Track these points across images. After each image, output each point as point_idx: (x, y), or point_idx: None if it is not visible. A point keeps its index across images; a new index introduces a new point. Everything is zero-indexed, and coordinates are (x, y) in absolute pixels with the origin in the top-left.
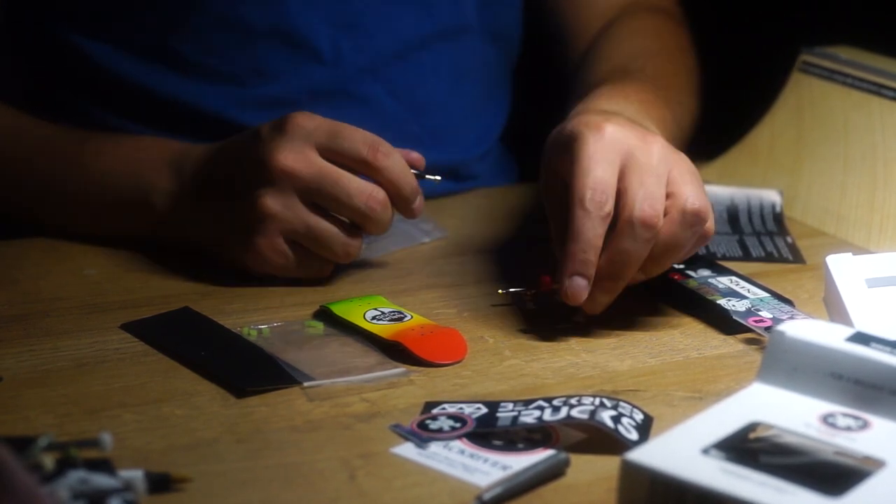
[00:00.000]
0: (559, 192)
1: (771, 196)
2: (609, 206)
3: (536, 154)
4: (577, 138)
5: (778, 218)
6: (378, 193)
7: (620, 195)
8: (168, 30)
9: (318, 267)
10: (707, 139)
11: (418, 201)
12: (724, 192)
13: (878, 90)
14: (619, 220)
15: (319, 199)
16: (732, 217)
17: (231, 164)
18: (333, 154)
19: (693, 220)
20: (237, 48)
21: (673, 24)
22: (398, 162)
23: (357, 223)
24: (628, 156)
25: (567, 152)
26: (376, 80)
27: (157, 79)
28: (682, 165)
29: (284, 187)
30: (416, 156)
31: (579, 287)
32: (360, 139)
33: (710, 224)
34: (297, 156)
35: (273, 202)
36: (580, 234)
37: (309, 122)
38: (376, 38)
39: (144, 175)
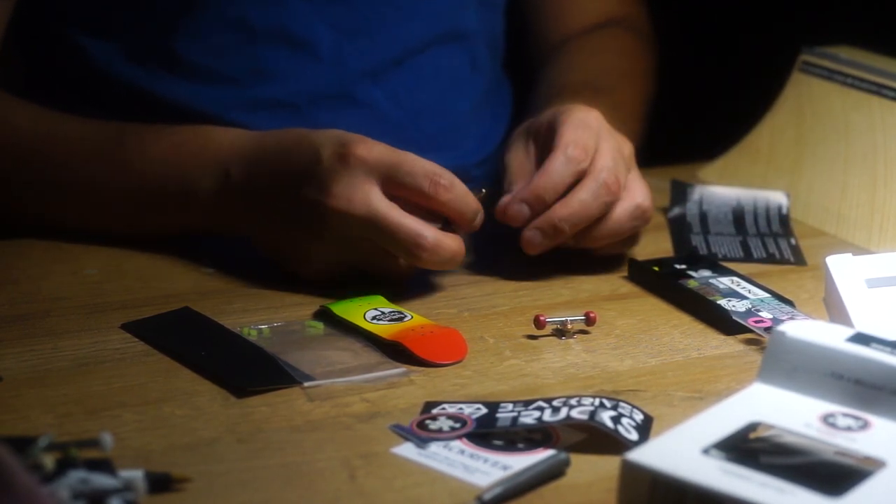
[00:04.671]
0: (527, 157)
1: (778, 198)
2: (584, 165)
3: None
4: (564, 111)
5: (784, 220)
6: (425, 240)
7: (591, 159)
8: (167, 30)
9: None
10: (707, 139)
11: (479, 217)
12: (730, 193)
13: (878, 90)
14: (585, 177)
15: (369, 235)
16: (738, 218)
17: (287, 185)
18: (395, 188)
19: (640, 215)
20: (237, 49)
21: (646, 49)
22: (459, 192)
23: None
24: (606, 137)
25: (551, 124)
26: (376, 84)
27: (156, 80)
28: (638, 173)
29: (337, 225)
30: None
31: (521, 215)
32: (420, 172)
33: (641, 229)
34: (354, 194)
35: (323, 242)
36: (550, 174)
37: (369, 154)
38: (378, 42)
39: (188, 174)
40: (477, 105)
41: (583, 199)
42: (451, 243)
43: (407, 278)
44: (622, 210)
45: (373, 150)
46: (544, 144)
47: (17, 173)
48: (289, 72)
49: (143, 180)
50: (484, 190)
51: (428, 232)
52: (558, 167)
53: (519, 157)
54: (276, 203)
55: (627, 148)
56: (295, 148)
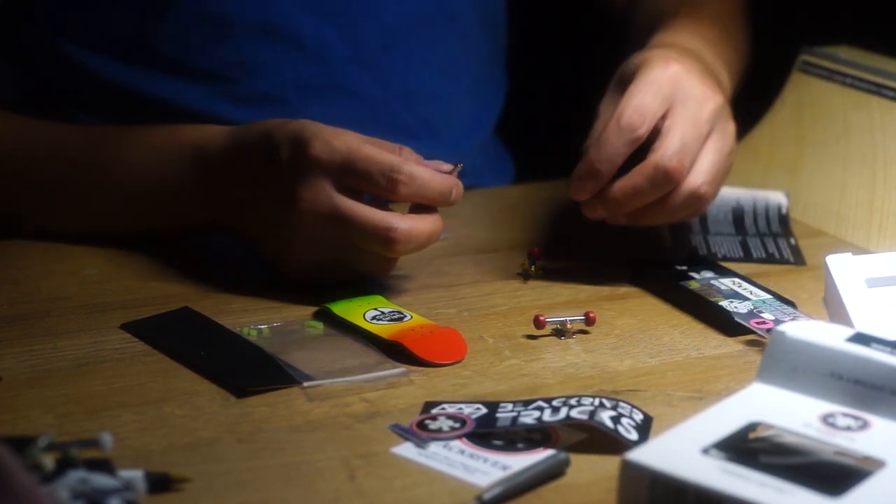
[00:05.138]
0: (613, 108)
1: (777, 198)
2: (642, 131)
3: (532, 151)
4: (645, 63)
5: (784, 220)
6: (396, 232)
7: (659, 135)
8: (148, 28)
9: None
10: None
11: (454, 193)
12: (730, 193)
13: (877, 90)
14: (647, 159)
15: (340, 234)
16: (737, 218)
17: (254, 189)
18: (353, 185)
19: (695, 202)
20: (219, 43)
21: None
22: (421, 182)
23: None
24: (682, 100)
25: (635, 72)
26: (364, 70)
27: (142, 80)
28: (721, 137)
29: (306, 226)
30: (444, 168)
31: (583, 190)
32: (376, 170)
33: (705, 207)
34: (314, 194)
35: (296, 243)
36: (605, 146)
37: (325, 154)
38: (362, 27)
39: (166, 177)
40: (471, 87)
41: (638, 185)
42: (425, 226)
43: (390, 270)
44: (676, 197)
45: (329, 147)
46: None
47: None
48: (273, 64)
49: (124, 187)
50: (461, 164)
51: (397, 222)
52: (612, 137)
53: (607, 108)
54: (250, 205)
55: (709, 107)
56: (257, 148)
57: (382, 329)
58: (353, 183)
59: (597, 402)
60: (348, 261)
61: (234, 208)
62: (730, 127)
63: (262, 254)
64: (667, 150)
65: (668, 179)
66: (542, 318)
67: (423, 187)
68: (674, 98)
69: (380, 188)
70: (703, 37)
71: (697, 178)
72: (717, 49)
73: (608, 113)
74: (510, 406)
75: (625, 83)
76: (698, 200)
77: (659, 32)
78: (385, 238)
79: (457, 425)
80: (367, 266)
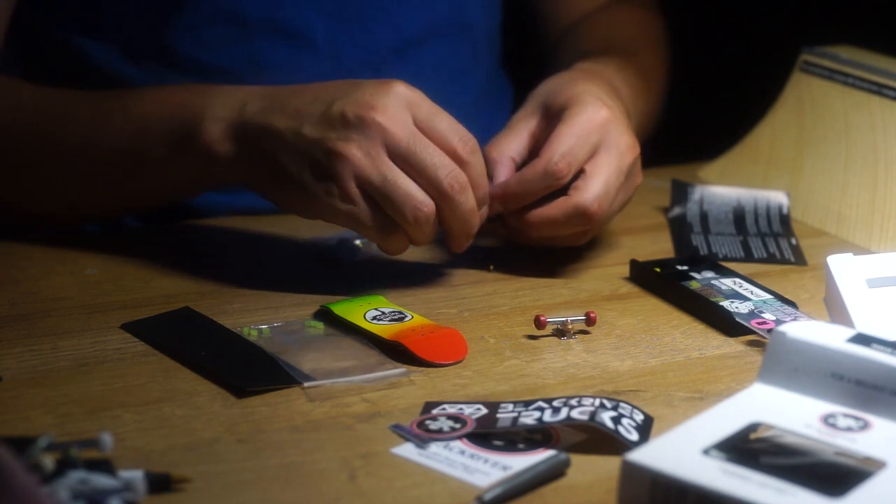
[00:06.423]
0: (526, 126)
1: (778, 198)
2: (566, 180)
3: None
4: (577, 102)
5: (785, 220)
6: (461, 176)
7: (583, 176)
8: (161, 26)
9: (387, 233)
10: (707, 139)
11: (484, 210)
12: (731, 193)
13: (878, 90)
14: (569, 196)
15: (406, 161)
16: (738, 218)
17: (321, 100)
18: (426, 131)
19: (591, 234)
20: (232, 42)
21: (656, 21)
22: (480, 164)
23: (434, 199)
24: (608, 147)
25: (562, 109)
26: (375, 74)
27: (153, 77)
28: (629, 188)
29: (373, 138)
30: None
31: (491, 208)
32: (455, 129)
33: (593, 233)
34: (396, 115)
35: (357, 148)
36: (526, 183)
37: (411, 94)
38: (375, 32)
39: (196, 107)
40: (478, 97)
41: (555, 218)
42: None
43: (405, 249)
44: (558, 208)
45: (414, 90)
46: (549, 124)
47: (18, 148)
48: (285, 64)
49: (142, 130)
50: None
51: (461, 173)
52: (535, 179)
53: (521, 124)
54: (300, 117)
55: (630, 158)
56: (333, 82)
57: (383, 329)
58: (432, 129)
59: (597, 402)
60: (377, 228)
61: (271, 137)
62: (638, 179)
63: (281, 198)
64: (590, 194)
65: (585, 221)
66: (542, 318)
67: (481, 168)
68: (600, 145)
69: (452, 146)
70: (626, 81)
71: (587, 195)
72: (634, 98)
73: (522, 129)
74: (511, 406)
75: (551, 111)
76: (595, 232)
77: (587, 60)
78: (451, 175)
79: (457, 426)
80: (385, 231)
